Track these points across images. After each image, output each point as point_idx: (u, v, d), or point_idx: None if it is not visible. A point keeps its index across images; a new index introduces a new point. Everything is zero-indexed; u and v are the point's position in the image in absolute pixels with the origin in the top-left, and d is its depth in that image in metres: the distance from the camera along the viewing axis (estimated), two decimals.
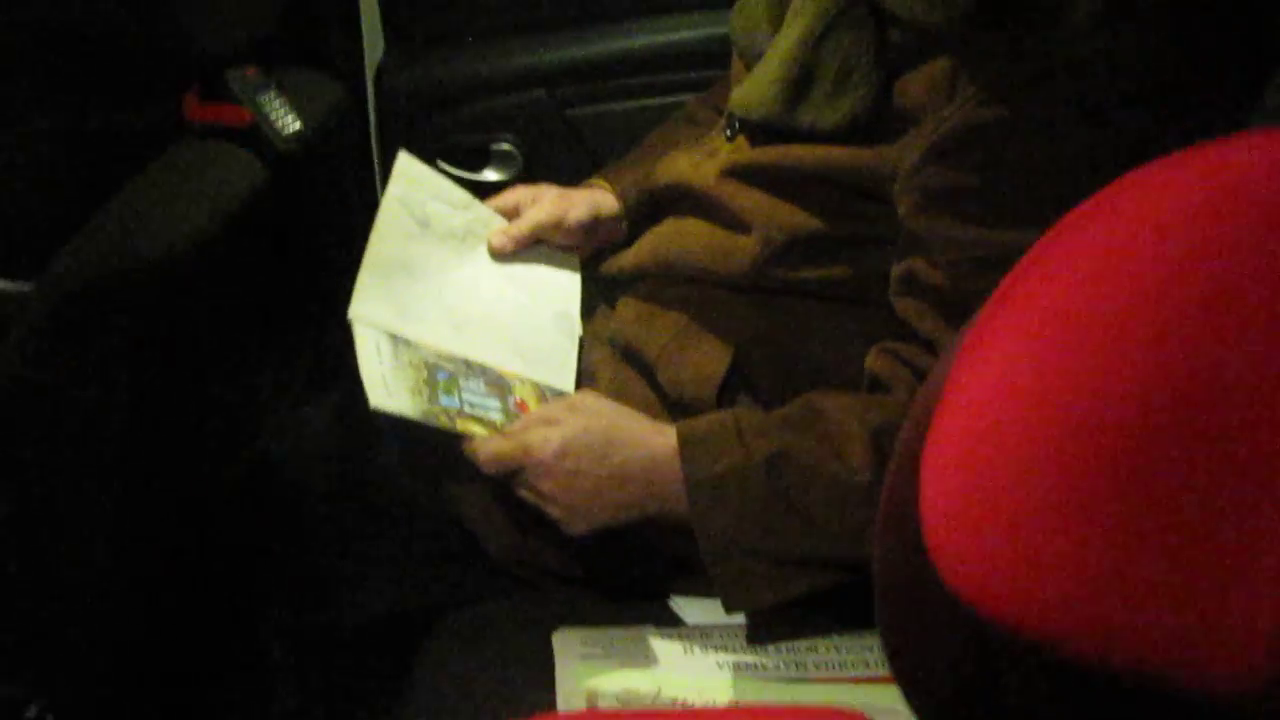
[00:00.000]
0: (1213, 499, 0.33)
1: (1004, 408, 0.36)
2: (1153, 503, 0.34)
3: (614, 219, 1.24)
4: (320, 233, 1.32)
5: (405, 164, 1.15)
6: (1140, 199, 0.35)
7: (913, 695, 0.51)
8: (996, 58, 0.86)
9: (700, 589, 1.09)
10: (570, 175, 1.34)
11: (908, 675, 0.51)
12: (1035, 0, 0.84)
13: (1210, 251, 0.33)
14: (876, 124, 0.94)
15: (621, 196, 1.24)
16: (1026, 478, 0.36)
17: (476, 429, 1.01)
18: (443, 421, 0.99)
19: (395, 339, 1.05)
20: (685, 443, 0.97)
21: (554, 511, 0.99)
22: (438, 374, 1.04)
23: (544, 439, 0.98)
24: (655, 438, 1.00)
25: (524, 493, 1.01)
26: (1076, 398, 0.34)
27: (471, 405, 1.03)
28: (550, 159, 1.60)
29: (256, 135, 1.09)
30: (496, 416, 1.04)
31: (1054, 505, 0.35)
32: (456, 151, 1.60)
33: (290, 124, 1.10)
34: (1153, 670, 0.37)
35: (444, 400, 1.02)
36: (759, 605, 1.01)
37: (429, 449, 1.07)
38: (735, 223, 1.06)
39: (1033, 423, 0.35)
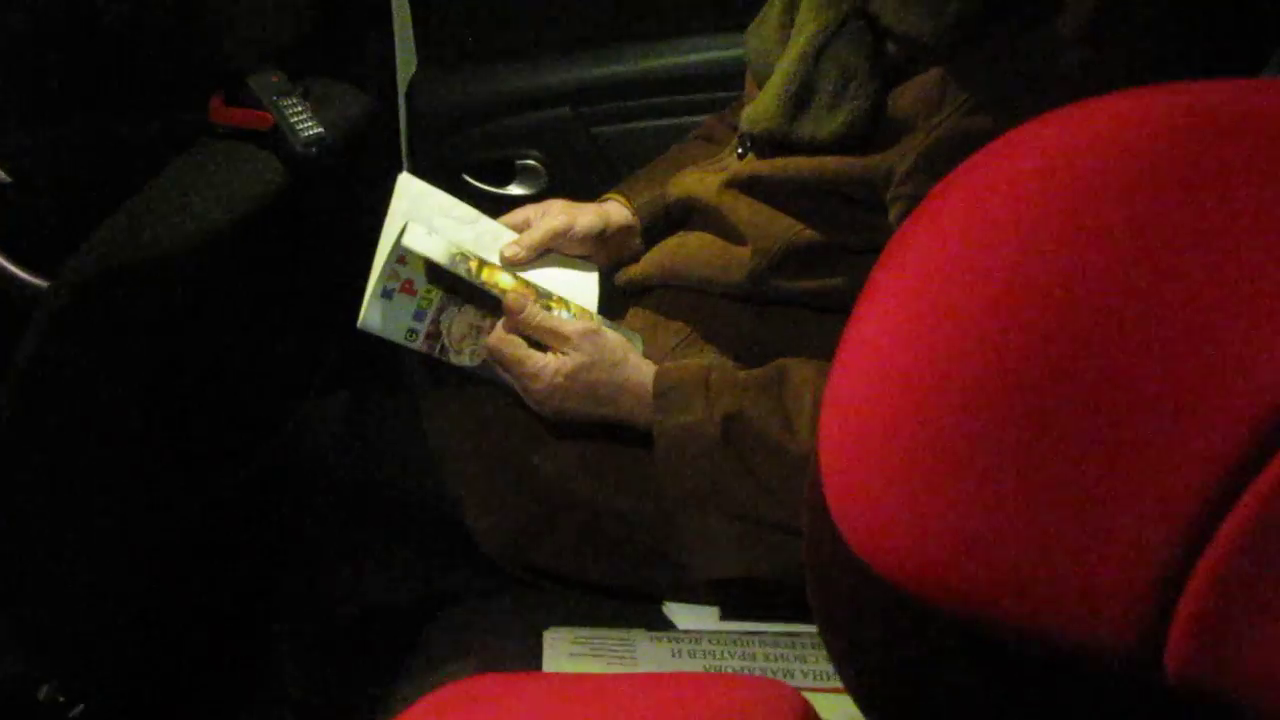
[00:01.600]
0: (1081, 458, 0.34)
1: (882, 374, 0.38)
2: (1024, 463, 0.35)
3: (627, 231, 1.26)
4: (345, 238, 1.35)
5: (406, 182, 1.17)
6: (996, 171, 0.36)
7: (840, 664, 0.52)
8: (984, 68, 0.87)
9: (694, 596, 1.10)
10: (594, 191, 1.36)
11: (833, 643, 0.52)
12: (1021, 12, 0.85)
13: (1066, 219, 0.34)
14: (873, 134, 0.96)
15: (635, 210, 1.27)
16: (905, 440, 0.37)
17: (503, 282, 1.07)
18: (468, 271, 1.05)
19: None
20: (659, 392, 1.03)
21: (530, 401, 1.07)
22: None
23: (537, 372, 1.04)
24: (639, 389, 1.05)
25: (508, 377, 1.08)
26: (945, 363, 0.35)
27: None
28: (574, 175, 1.63)
29: (277, 138, 1.12)
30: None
31: (930, 468, 0.36)
32: (484, 166, 1.64)
33: (310, 128, 1.13)
34: (1034, 624, 0.37)
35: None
36: (725, 573, 1.04)
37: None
38: (734, 234, 1.08)
39: (909, 387, 0.36)
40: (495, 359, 1.08)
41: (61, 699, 1.24)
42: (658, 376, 1.04)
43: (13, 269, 1.36)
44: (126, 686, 1.23)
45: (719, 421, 1.00)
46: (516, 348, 1.06)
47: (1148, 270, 0.32)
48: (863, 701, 0.52)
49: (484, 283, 1.06)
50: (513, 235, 1.23)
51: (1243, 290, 0.31)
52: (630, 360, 1.06)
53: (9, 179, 1.42)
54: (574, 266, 1.24)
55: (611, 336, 1.08)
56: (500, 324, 1.08)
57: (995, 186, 0.36)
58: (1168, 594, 0.34)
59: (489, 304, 1.11)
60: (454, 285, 1.10)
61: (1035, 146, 0.37)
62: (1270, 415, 0.30)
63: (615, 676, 0.60)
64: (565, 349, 1.05)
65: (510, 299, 1.06)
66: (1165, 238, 0.31)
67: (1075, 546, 0.36)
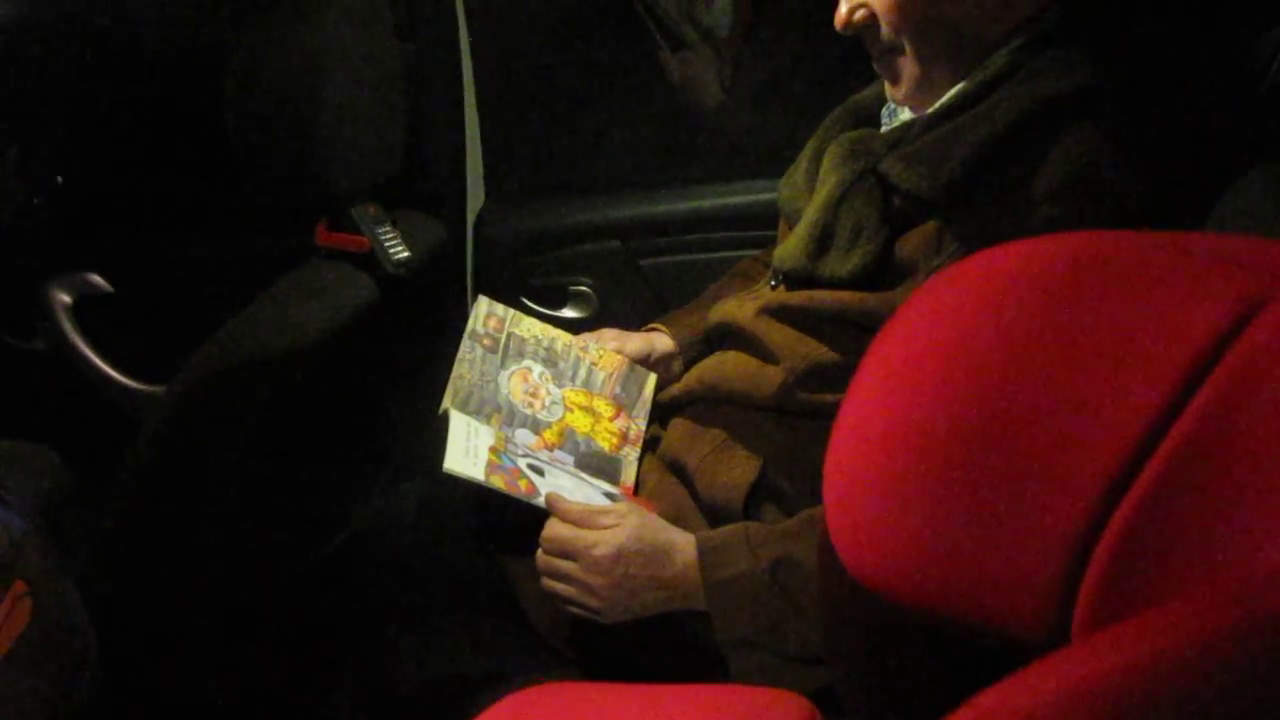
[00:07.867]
0: (1000, 486, 0.49)
1: (867, 434, 0.53)
2: (963, 493, 0.50)
3: (669, 357, 1.43)
4: (418, 349, 1.52)
5: (484, 305, 1.35)
6: (942, 297, 0.52)
7: (839, 684, 0.66)
8: (974, 220, 1.04)
9: (728, 680, 1.21)
10: (639, 316, 1.53)
11: (835, 666, 0.66)
12: (1004, 176, 1.02)
13: (981, 337, 0.50)
14: (882, 274, 1.12)
15: (676, 338, 1.43)
16: (885, 479, 0.52)
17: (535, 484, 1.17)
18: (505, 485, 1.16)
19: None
20: (703, 552, 1.12)
21: (593, 603, 1.13)
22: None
23: (597, 540, 1.12)
24: (688, 550, 1.13)
25: (560, 585, 1.14)
26: (910, 424, 0.51)
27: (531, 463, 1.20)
28: (622, 301, 1.80)
29: (372, 260, 1.30)
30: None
31: (902, 499, 0.51)
32: (540, 291, 1.82)
33: (400, 252, 1.31)
34: (975, 615, 0.52)
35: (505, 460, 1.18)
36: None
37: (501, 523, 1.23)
38: (766, 354, 1.24)
39: (886, 442, 0.52)
40: (550, 549, 1.13)
41: None
42: (699, 539, 1.12)
43: (114, 375, 1.52)
44: None
45: (767, 568, 1.07)
46: (568, 528, 1.13)
47: (1031, 365, 0.47)
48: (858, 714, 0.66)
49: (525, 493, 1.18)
50: (583, 354, 1.39)
51: (1090, 373, 0.46)
52: (669, 526, 1.15)
53: (110, 289, 1.59)
54: (633, 371, 1.40)
55: (641, 510, 1.16)
56: (546, 526, 1.14)
57: (940, 309, 0.52)
58: (1069, 585, 0.48)
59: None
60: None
61: (965, 282, 0.53)
62: (1127, 454, 0.45)
63: (660, 686, 0.73)
64: (613, 521, 1.13)
65: (548, 497, 1.15)
66: (1035, 346, 0.47)
67: (999, 550, 0.50)
